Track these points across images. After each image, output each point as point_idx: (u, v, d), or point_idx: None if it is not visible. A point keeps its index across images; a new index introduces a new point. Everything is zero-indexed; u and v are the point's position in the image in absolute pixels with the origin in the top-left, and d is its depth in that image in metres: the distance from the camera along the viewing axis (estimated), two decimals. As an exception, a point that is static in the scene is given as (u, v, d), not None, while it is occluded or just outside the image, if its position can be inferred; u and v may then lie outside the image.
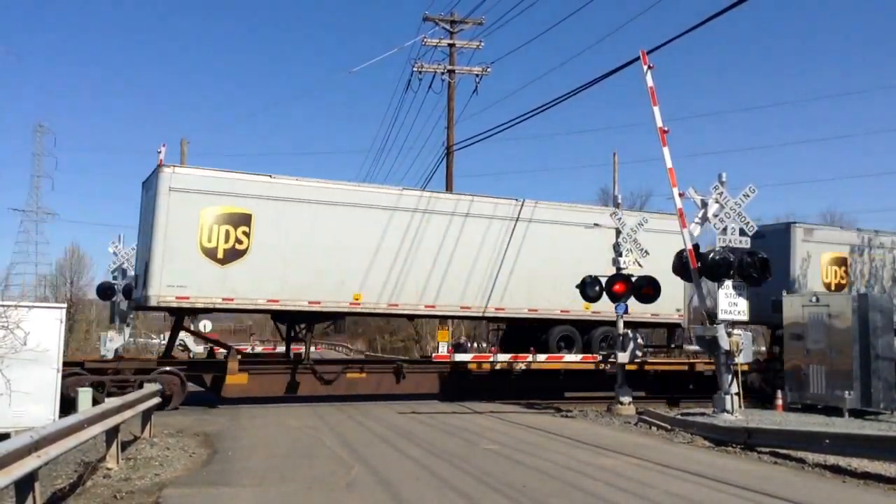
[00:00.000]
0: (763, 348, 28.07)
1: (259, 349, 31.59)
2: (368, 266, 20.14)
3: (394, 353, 49.69)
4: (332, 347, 53.70)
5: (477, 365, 21.62)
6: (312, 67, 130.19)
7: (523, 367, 21.20)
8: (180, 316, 20.04)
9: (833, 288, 23.39)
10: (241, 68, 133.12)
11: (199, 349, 27.79)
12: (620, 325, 19.54)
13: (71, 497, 8.81)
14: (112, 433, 10.40)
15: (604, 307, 20.62)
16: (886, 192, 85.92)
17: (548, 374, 21.87)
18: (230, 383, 19.14)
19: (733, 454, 12.76)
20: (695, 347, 18.24)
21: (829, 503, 9.32)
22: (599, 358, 21.56)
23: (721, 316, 16.26)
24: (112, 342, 22.63)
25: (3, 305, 12.38)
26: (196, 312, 21.09)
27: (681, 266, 16.98)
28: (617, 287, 19.23)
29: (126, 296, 22.73)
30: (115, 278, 23.14)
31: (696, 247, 16.68)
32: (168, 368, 18.63)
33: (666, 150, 16.92)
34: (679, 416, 16.15)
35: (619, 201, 20.69)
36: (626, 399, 18.84)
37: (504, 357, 21.22)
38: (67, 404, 14.59)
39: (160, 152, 22.69)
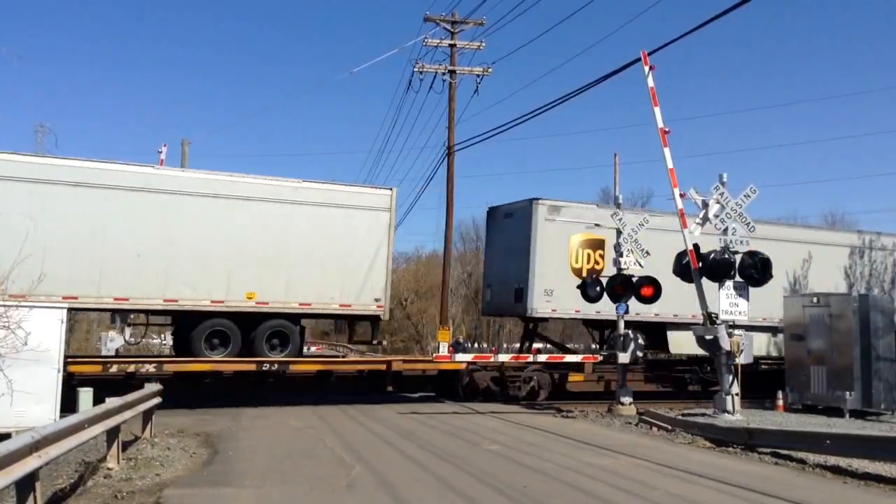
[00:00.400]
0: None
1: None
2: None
3: (394, 352, 49.72)
4: (333, 347, 53.69)
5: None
6: (313, 68, 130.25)
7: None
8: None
9: (583, 274, 21.63)
10: (241, 69, 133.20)
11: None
12: (621, 325, 19.54)
13: (72, 497, 8.82)
14: (113, 433, 10.40)
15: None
16: (888, 193, 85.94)
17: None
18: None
19: (734, 454, 12.76)
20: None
21: (829, 504, 9.32)
22: (601, 358, 21.58)
23: (722, 316, 16.27)
24: (112, 342, 22.65)
25: (4, 305, 12.37)
26: None
27: (681, 267, 16.99)
28: (618, 288, 19.24)
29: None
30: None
31: (696, 247, 16.69)
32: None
33: (667, 151, 16.93)
34: (680, 417, 16.16)
35: (621, 201, 20.69)
36: (627, 399, 18.83)
37: (505, 357, 21.25)
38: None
39: (161, 152, 22.77)
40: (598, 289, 19.72)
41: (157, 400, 13.86)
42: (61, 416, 12.00)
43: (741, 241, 16.41)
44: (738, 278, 16.34)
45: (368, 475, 10.38)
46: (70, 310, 15.99)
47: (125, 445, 11.50)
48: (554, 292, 21.84)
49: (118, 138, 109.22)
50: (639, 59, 17.21)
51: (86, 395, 14.48)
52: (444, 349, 25.04)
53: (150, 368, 17.57)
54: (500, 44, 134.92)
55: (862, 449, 11.20)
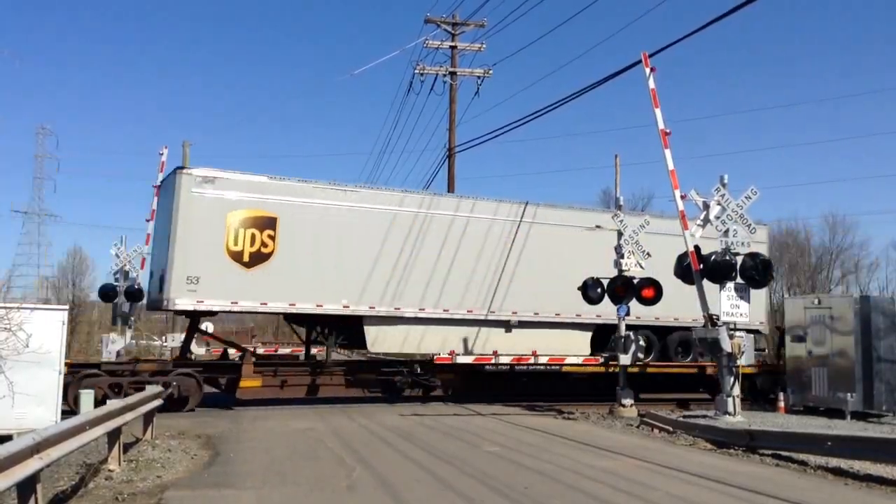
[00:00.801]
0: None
1: (261, 350, 31.59)
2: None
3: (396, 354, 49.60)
4: (334, 349, 53.61)
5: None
6: (314, 69, 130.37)
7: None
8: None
9: (245, 258, 18.74)
10: (242, 70, 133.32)
11: (200, 351, 27.76)
12: (622, 326, 19.54)
13: (73, 499, 8.82)
14: (114, 435, 10.41)
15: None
16: (889, 195, 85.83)
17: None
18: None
19: (735, 456, 12.75)
20: None
21: (831, 506, 9.31)
22: (601, 360, 21.59)
23: (723, 318, 16.27)
24: (114, 344, 22.63)
25: (5, 307, 12.37)
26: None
27: (682, 269, 16.99)
28: (619, 289, 19.23)
29: (128, 297, 22.74)
30: (116, 280, 23.15)
31: (697, 248, 16.69)
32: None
33: (668, 152, 16.94)
34: (681, 419, 16.15)
35: (621, 203, 20.70)
36: (628, 401, 18.82)
37: (506, 359, 21.24)
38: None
39: (162, 154, 22.77)
40: (598, 290, 19.72)
41: (159, 402, 13.87)
42: (62, 418, 12.01)
43: (742, 243, 16.42)
44: (739, 280, 16.34)
45: (369, 476, 10.38)
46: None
47: (126, 447, 11.51)
48: (201, 280, 18.20)
49: (119, 140, 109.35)
50: (640, 61, 17.24)
51: (87, 396, 14.50)
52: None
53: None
54: (501, 45, 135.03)
55: (863, 450, 11.19)
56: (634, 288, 19.12)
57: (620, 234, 19.49)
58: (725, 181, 16.52)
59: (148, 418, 13.26)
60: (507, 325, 21.81)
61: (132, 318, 23.81)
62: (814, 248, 52.33)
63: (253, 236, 18.91)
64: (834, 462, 11.52)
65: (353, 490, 9.52)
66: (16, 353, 11.79)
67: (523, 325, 21.88)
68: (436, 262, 20.73)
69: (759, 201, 16.52)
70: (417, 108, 54.30)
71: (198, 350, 28.50)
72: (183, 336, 23.81)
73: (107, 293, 23.48)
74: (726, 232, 16.40)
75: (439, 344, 20.93)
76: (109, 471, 10.21)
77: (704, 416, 16.44)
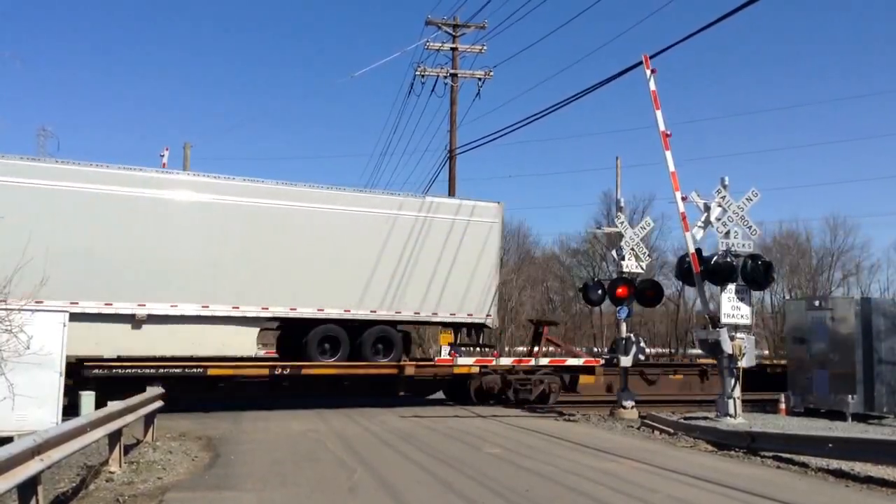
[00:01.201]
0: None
1: (261, 352, 31.59)
2: None
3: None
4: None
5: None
6: (314, 71, 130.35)
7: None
8: None
9: None
10: (242, 72, 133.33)
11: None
12: (623, 328, 19.54)
13: (74, 500, 8.82)
14: (115, 437, 10.41)
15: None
16: (890, 196, 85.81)
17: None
18: None
19: (736, 458, 12.74)
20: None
21: (832, 508, 9.31)
22: (602, 361, 21.59)
23: (724, 320, 16.28)
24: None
25: (6, 309, 12.38)
26: None
27: (683, 270, 17.00)
28: (620, 291, 19.24)
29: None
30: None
31: (698, 251, 16.70)
32: None
33: (668, 154, 16.95)
34: (682, 420, 16.15)
35: (622, 205, 20.72)
36: (629, 403, 18.83)
37: (506, 360, 21.25)
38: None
39: (163, 156, 22.81)
40: (599, 292, 19.74)
41: (160, 403, 13.88)
42: (63, 420, 12.01)
43: (743, 245, 16.43)
44: (740, 282, 16.35)
45: (370, 478, 10.38)
46: None
47: (127, 449, 11.51)
48: None
49: (120, 141, 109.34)
50: (641, 63, 17.24)
51: (87, 398, 14.48)
52: (445, 352, 25.03)
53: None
54: (502, 47, 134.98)
55: (864, 452, 11.18)
56: (636, 289, 19.15)
57: (621, 236, 19.51)
58: (726, 183, 16.53)
59: (149, 420, 13.27)
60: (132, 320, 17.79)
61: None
62: (815, 250, 52.43)
63: None
64: (835, 464, 11.51)
65: (354, 492, 9.52)
66: (17, 354, 11.79)
67: (156, 319, 17.88)
68: None
69: (759, 203, 16.55)
70: (418, 110, 54.29)
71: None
72: None
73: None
74: (727, 234, 16.41)
75: None
76: (110, 472, 10.21)
77: (705, 418, 16.44)
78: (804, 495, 9.77)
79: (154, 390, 14.06)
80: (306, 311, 19.17)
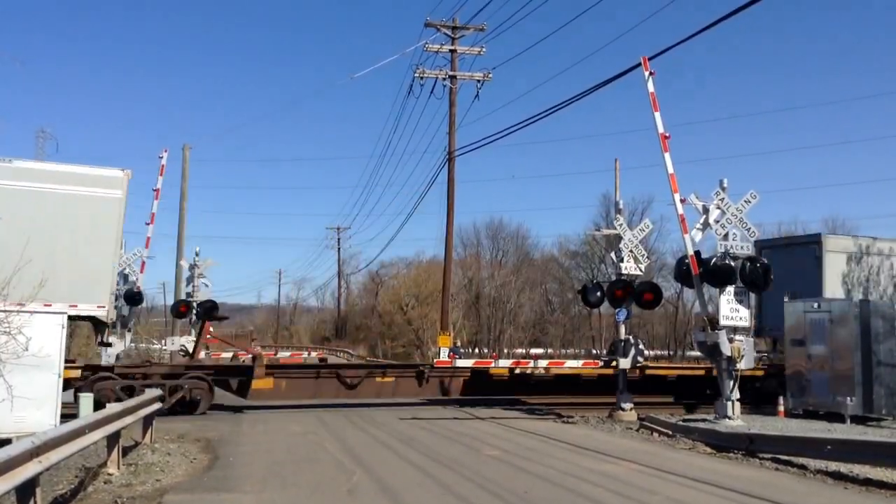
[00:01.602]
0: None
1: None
2: None
3: (394, 358, 49.70)
4: (333, 353, 53.75)
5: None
6: (314, 73, 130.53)
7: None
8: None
9: None
10: (242, 74, 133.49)
11: (201, 355, 27.81)
12: (622, 330, 19.54)
13: (72, 502, 8.82)
14: (113, 438, 10.40)
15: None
16: (889, 198, 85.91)
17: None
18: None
19: (735, 460, 12.74)
20: None
21: (831, 510, 9.30)
22: (601, 363, 21.57)
23: (723, 322, 16.27)
24: (113, 347, 22.61)
25: (5, 311, 12.37)
26: None
27: (682, 272, 16.99)
28: (618, 293, 19.25)
29: (127, 301, 22.72)
30: (116, 283, 23.15)
31: (697, 253, 16.70)
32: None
33: (667, 156, 16.95)
34: (681, 422, 16.13)
35: (621, 207, 20.71)
36: (628, 405, 18.82)
37: (505, 363, 21.26)
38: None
39: (162, 157, 22.77)
40: (598, 294, 19.74)
41: (158, 405, 13.87)
42: (62, 422, 12.00)
43: (742, 247, 16.43)
44: (739, 284, 16.34)
45: (369, 481, 10.37)
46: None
47: (125, 451, 11.49)
48: None
49: (120, 143, 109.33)
50: (639, 65, 17.25)
51: (86, 400, 14.47)
52: (444, 354, 25.07)
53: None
54: (501, 49, 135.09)
55: (863, 454, 11.18)
56: (635, 291, 19.14)
57: (620, 238, 19.51)
58: (725, 185, 16.53)
59: (147, 422, 13.25)
60: None
61: (131, 322, 23.81)
62: (814, 252, 52.31)
63: None
64: (833, 466, 11.51)
65: (353, 494, 9.51)
66: (15, 356, 11.79)
67: None
68: None
69: (758, 204, 16.55)
70: (417, 112, 54.29)
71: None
72: (181, 339, 23.84)
73: (106, 296, 23.44)
74: (726, 236, 16.40)
75: None
76: (108, 474, 10.20)
77: (704, 420, 16.42)
78: (803, 497, 9.77)
79: (152, 392, 14.05)
80: None
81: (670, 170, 16.94)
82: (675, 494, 9.68)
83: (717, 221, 16.49)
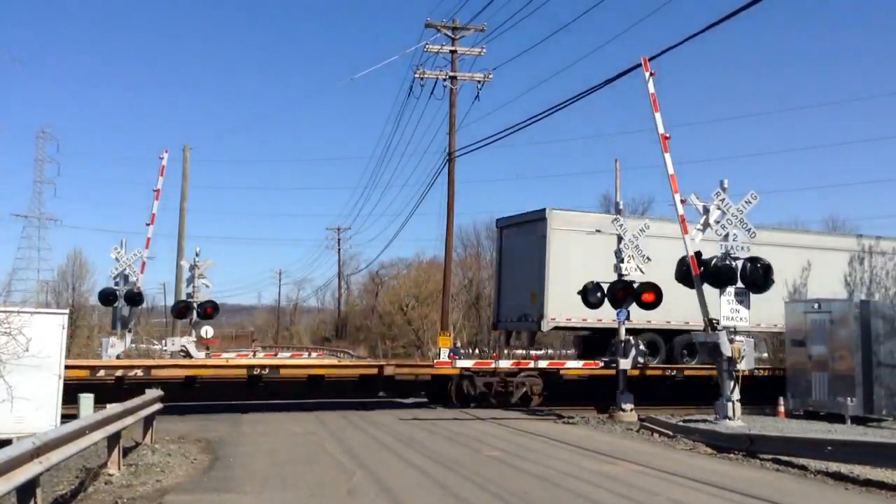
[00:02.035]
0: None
1: (261, 355, 31.58)
2: None
3: (395, 358, 49.66)
4: (333, 353, 53.72)
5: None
6: (314, 74, 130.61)
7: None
8: None
9: None
10: (243, 76, 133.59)
11: (200, 354, 27.84)
12: (622, 331, 19.52)
13: (72, 503, 8.81)
14: (113, 439, 10.40)
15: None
16: (890, 199, 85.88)
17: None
18: None
19: (735, 461, 12.74)
20: None
21: (831, 511, 9.30)
22: (601, 364, 21.55)
23: (723, 322, 16.25)
24: (113, 347, 22.60)
25: (5, 311, 12.37)
26: None
27: (682, 273, 16.98)
28: (619, 293, 19.22)
29: (128, 301, 22.73)
30: (116, 284, 23.14)
31: (697, 253, 16.68)
32: None
33: (668, 157, 16.95)
34: (681, 423, 16.12)
35: (621, 208, 20.67)
36: (628, 406, 18.81)
37: (505, 363, 21.22)
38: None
39: (163, 158, 22.78)
40: (598, 295, 19.71)
41: (159, 406, 13.86)
42: (62, 422, 12.00)
43: (742, 248, 16.41)
44: (739, 284, 16.33)
45: (369, 481, 10.37)
46: None
47: (126, 451, 11.49)
48: None
49: (120, 144, 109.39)
50: (639, 65, 17.25)
51: (86, 400, 14.47)
52: (444, 355, 25.03)
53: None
54: (502, 49, 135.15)
55: (863, 455, 11.17)
56: (635, 292, 19.10)
57: (620, 239, 19.48)
58: (725, 185, 16.51)
59: (148, 422, 13.25)
60: None
61: (132, 322, 23.80)
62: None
63: None
64: (834, 467, 11.50)
65: (353, 495, 9.51)
66: (16, 357, 11.79)
67: None
68: None
69: (759, 206, 16.54)
70: (418, 113, 54.17)
71: (197, 354, 28.57)
72: (182, 340, 23.84)
73: (107, 297, 23.44)
74: (726, 236, 16.39)
75: None
76: (109, 475, 10.21)
77: (704, 421, 16.41)
78: (803, 498, 9.77)
79: (153, 393, 14.04)
80: None
81: (671, 170, 16.94)
82: (676, 495, 9.68)
83: (717, 222, 16.48)
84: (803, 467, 11.78)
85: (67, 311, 16.15)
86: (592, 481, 10.55)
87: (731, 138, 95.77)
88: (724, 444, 13.75)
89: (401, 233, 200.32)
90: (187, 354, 23.02)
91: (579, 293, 19.82)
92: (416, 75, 29.80)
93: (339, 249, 77.37)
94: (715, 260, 16.29)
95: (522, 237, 22.88)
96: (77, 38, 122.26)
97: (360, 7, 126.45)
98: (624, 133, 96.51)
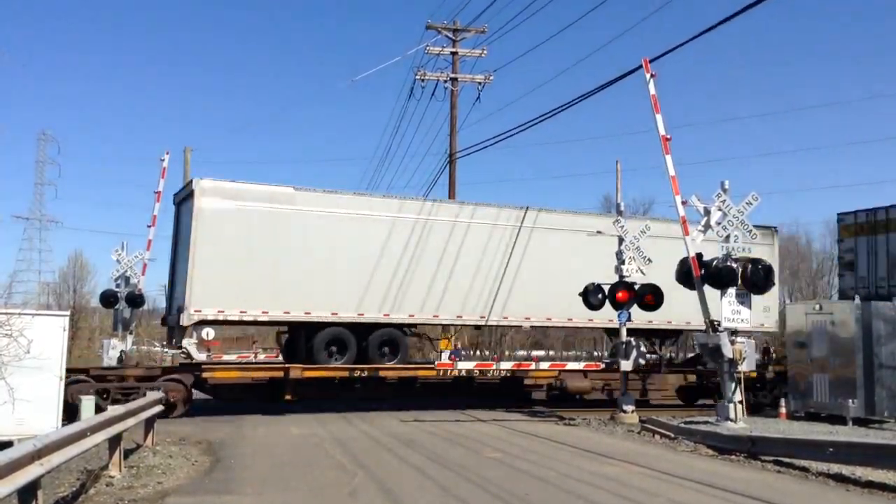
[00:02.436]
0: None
1: (262, 356, 31.59)
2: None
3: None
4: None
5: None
6: (314, 76, 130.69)
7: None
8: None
9: None
10: (243, 77, 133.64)
11: (201, 356, 27.86)
12: (623, 332, 19.52)
13: (73, 505, 8.82)
14: (115, 441, 10.40)
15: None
16: (890, 200, 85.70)
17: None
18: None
19: (737, 463, 12.73)
20: None
21: (832, 512, 9.29)
22: (602, 365, 21.56)
23: (724, 324, 16.24)
24: (114, 349, 22.60)
25: (6, 313, 12.38)
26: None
27: (683, 274, 16.97)
28: (620, 295, 19.21)
29: (129, 303, 22.74)
30: (118, 286, 23.15)
31: (698, 255, 16.67)
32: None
33: (668, 158, 16.94)
34: (682, 425, 16.11)
35: (622, 209, 20.67)
36: (629, 407, 18.80)
37: (507, 365, 21.23)
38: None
39: (163, 160, 22.79)
40: (599, 296, 19.70)
41: (160, 408, 13.87)
42: (63, 424, 12.00)
43: (743, 249, 16.41)
44: (740, 286, 16.31)
45: (370, 483, 10.37)
46: None
47: (127, 453, 11.50)
48: None
49: (120, 145, 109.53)
50: (640, 67, 17.24)
51: (87, 402, 14.48)
52: (445, 357, 25.00)
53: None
54: (502, 51, 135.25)
55: (865, 457, 11.16)
56: (636, 294, 19.10)
57: (621, 241, 19.48)
58: (727, 186, 16.50)
59: (149, 424, 13.25)
60: None
61: (133, 324, 23.80)
62: (815, 254, 52.40)
63: None
64: (835, 468, 11.49)
65: (354, 496, 9.51)
66: (17, 358, 11.79)
67: None
68: None
69: (760, 207, 16.53)
70: (418, 114, 54.11)
71: (198, 356, 28.58)
72: (183, 341, 23.85)
73: (108, 299, 23.46)
74: (727, 238, 16.38)
75: None
76: (110, 477, 10.21)
77: (706, 423, 16.39)
78: (804, 499, 9.76)
79: (154, 395, 14.05)
80: None
81: (672, 171, 16.93)
82: (677, 497, 9.67)
83: (718, 223, 16.47)
84: (805, 469, 11.78)
85: (68, 312, 16.16)
86: (593, 483, 10.55)
87: (731, 138, 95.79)
88: (725, 446, 13.74)
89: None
90: (188, 356, 23.01)
91: (581, 294, 19.78)
92: (417, 77, 29.82)
93: (341, 250, 77.19)
94: (716, 262, 16.28)
95: (186, 214, 19.77)
96: (77, 39, 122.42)
97: (361, 9, 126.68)
98: (626, 134, 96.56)
